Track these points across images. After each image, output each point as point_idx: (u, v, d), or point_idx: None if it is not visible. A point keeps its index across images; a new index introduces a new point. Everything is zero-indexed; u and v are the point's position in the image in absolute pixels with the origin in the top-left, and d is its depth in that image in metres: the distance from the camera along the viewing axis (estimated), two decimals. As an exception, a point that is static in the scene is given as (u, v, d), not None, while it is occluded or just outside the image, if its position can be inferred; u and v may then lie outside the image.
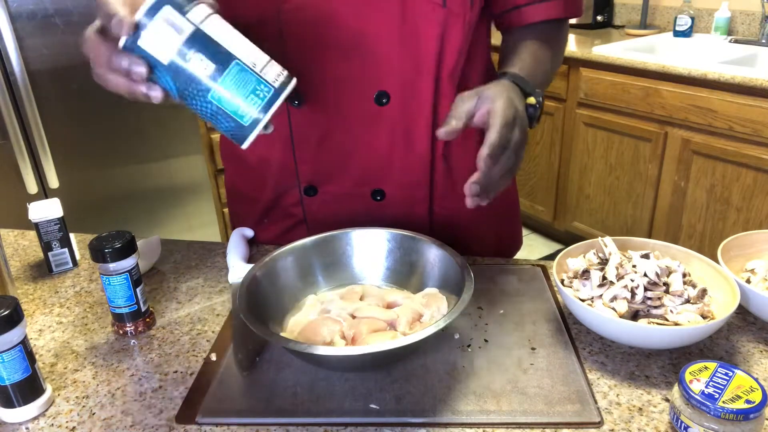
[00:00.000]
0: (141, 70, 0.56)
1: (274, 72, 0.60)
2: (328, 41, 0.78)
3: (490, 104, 0.67)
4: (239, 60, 0.58)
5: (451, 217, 0.92)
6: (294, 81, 0.61)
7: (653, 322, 0.68)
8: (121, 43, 0.56)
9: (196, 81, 0.57)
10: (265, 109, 0.59)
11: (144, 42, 0.56)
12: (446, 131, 0.67)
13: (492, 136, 0.65)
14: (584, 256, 0.79)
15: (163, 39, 0.55)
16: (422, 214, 0.90)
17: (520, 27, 0.87)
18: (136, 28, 0.55)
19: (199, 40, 0.56)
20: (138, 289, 0.76)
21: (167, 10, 0.55)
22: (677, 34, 2.60)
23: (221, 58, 0.57)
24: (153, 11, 0.55)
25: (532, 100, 0.75)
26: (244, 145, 0.60)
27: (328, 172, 0.87)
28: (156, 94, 0.58)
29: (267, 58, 0.60)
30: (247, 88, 0.58)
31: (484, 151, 0.65)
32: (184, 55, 0.56)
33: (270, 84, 0.59)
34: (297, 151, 0.86)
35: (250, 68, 0.58)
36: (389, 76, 0.80)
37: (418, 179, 0.87)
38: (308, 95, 0.81)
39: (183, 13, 0.56)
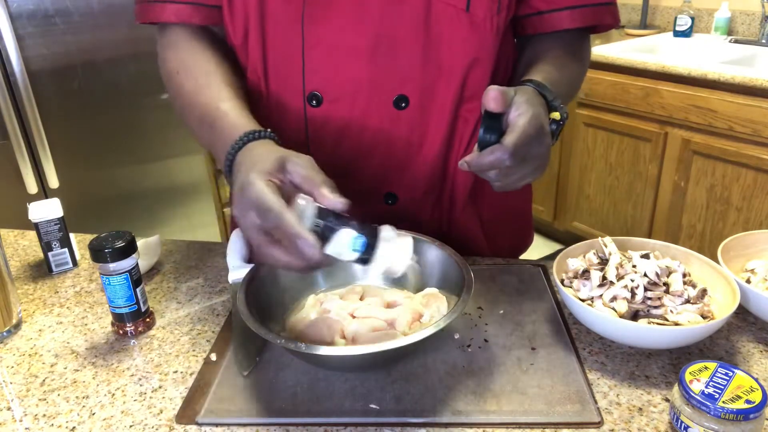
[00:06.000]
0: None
1: None
2: (350, 43, 0.77)
3: (515, 115, 0.64)
4: None
5: (462, 226, 0.91)
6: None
7: (653, 322, 0.68)
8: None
9: None
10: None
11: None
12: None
13: (493, 153, 0.63)
14: (584, 256, 0.79)
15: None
16: (432, 220, 0.90)
17: (542, 35, 0.84)
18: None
19: None
20: (138, 289, 0.76)
21: None
22: (677, 34, 2.60)
23: None
24: None
25: (556, 115, 0.70)
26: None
27: (342, 174, 0.86)
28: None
29: None
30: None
31: (474, 156, 0.64)
32: None
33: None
34: (312, 151, 0.85)
35: None
36: (410, 81, 0.79)
37: (430, 185, 0.87)
38: (327, 95, 0.80)
39: None
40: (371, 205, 0.88)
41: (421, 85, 0.79)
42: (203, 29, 0.85)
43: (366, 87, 0.79)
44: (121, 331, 0.77)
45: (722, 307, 0.70)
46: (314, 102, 0.81)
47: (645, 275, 0.72)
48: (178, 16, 0.82)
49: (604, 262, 0.76)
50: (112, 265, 0.73)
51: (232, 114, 0.73)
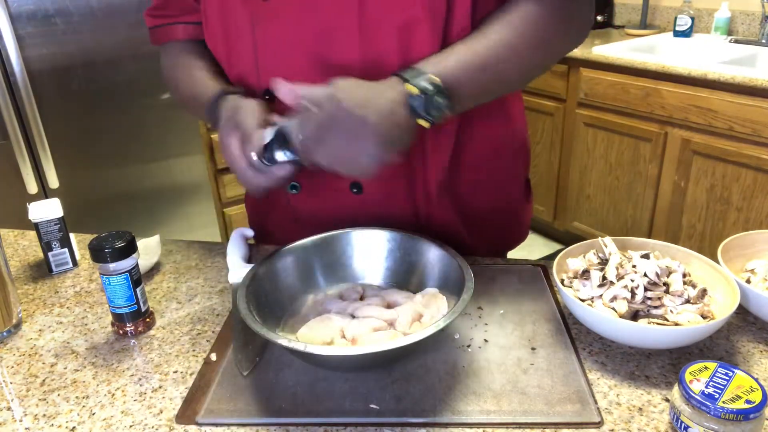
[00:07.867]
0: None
1: None
2: (292, 38, 0.79)
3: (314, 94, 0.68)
4: None
5: (440, 220, 0.91)
6: None
7: (653, 322, 0.68)
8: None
9: None
10: None
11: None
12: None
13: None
14: (584, 256, 0.79)
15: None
16: (404, 209, 0.89)
17: None
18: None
19: None
20: (138, 289, 0.76)
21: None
22: (677, 34, 2.60)
23: None
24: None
25: (412, 89, 0.68)
26: None
27: (304, 167, 0.87)
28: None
29: None
30: None
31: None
32: None
33: None
34: None
35: None
36: (352, 65, 0.78)
37: (395, 170, 0.85)
38: None
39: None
40: (338, 196, 0.88)
41: (363, 67, 0.78)
42: (199, 43, 0.93)
43: (311, 78, 0.78)
44: (121, 331, 0.77)
45: (722, 307, 0.70)
46: (268, 98, 0.82)
47: (645, 275, 0.72)
48: (187, 34, 0.92)
49: (604, 262, 0.76)
50: (112, 265, 0.73)
51: (204, 79, 0.87)
